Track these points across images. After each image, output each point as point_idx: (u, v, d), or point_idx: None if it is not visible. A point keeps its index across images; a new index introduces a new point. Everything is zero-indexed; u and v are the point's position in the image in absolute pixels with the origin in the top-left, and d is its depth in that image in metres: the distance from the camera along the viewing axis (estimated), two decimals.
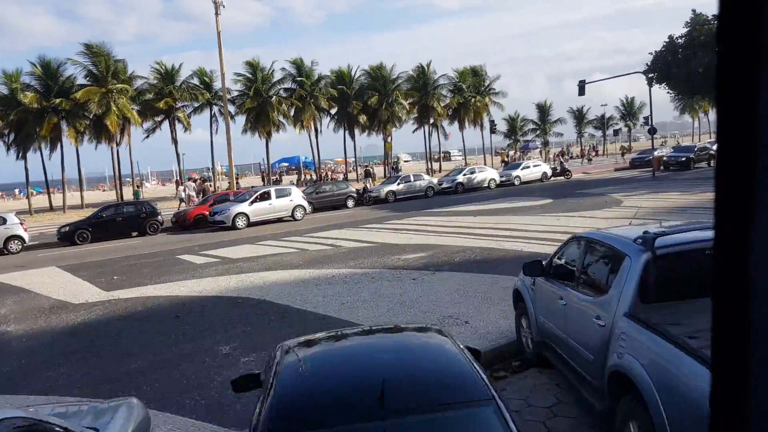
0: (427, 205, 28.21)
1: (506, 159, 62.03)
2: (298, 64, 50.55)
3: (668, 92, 32.59)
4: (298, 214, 26.60)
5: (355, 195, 31.59)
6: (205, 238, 22.05)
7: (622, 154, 65.43)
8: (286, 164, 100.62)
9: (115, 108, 40.12)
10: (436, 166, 65.26)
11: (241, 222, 24.79)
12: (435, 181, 35.57)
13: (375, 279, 11.96)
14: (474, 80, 63.18)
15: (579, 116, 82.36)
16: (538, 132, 77.66)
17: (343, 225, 22.36)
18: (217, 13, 46.89)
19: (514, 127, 75.29)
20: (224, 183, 54.32)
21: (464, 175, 36.79)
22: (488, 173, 37.77)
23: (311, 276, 12.90)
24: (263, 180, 53.95)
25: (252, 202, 25.60)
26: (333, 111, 55.62)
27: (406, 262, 13.60)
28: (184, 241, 21.80)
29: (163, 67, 45.38)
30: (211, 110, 48.84)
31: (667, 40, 31.75)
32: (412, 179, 34.35)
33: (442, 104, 60.38)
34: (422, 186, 34.29)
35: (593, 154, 61.72)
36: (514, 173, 38.98)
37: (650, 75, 33.12)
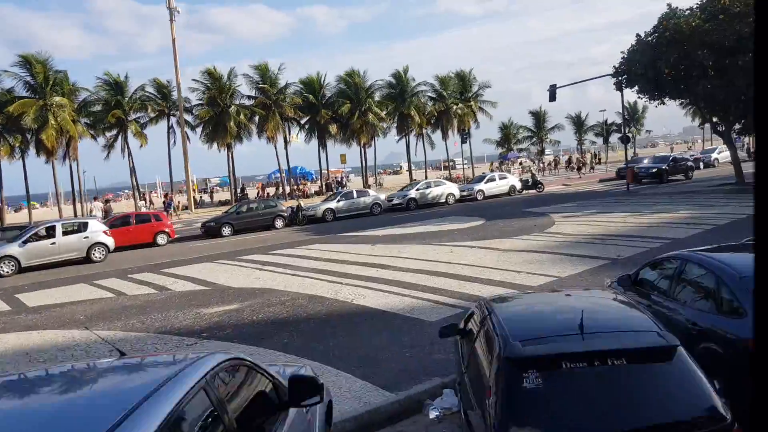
0: (356, 226, 25.12)
1: (492, 169, 58.57)
2: (262, 71, 47.90)
3: (639, 96, 28.97)
4: (97, 254, 21.13)
5: (285, 214, 28.61)
6: None
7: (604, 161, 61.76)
8: (278, 174, 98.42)
9: (53, 121, 37.80)
10: (433, 175, 62.06)
11: (6, 268, 19.34)
12: (382, 197, 32.40)
13: (90, 351, 8.93)
14: (459, 86, 59.94)
15: (578, 123, 78.54)
16: (533, 140, 74.05)
17: (221, 255, 19.33)
18: (171, 19, 44.63)
19: (507, 135, 71.82)
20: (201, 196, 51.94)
21: (417, 190, 33.60)
22: (446, 188, 34.50)
23: (39, 343, 9.87)
24: (233, 194, 51.35)
25: (26, 242, 20.12)
26: (304, 120, 52.88)
27: (195, 321, 10.56)
28: None
29: (111, 77, 43.05)
30: (168, 121, 46.46)
31: (636, 38, 28.21)
32: (355, 196, 31.25)
33: (425, 112, 57.26)
34: (367, 203, 31.16)
35: (582, 163, 58.00)
36: (477, 187, 35.69)
37: (619, 78, 29.58)
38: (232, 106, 45.31)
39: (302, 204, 30.12)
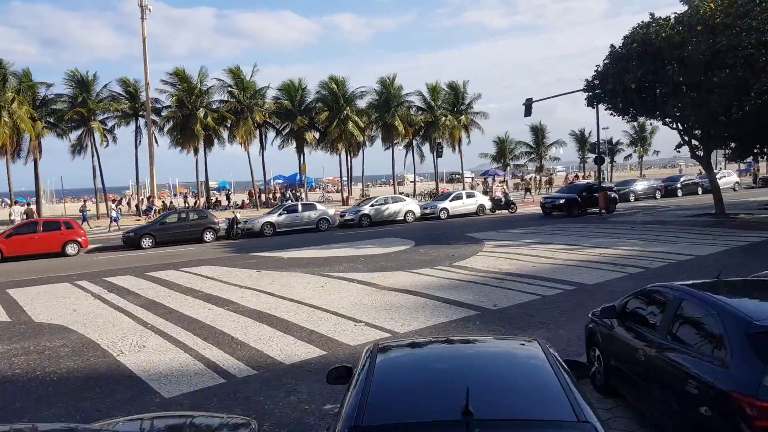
0: (284, 244, 22.88)
1: (473, 185, 56.09)
2: (235, 74, 46.04)
3: (612, 114, 26.31)
4: None
5: (216, 227, 26.45)
6: None
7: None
8: (280, 181, 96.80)
9: (7, 119, 36.24)
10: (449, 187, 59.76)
11: None
12: (331, 212, 30.09)
13: None
14: (450, 98, 57.57)
15: (581, 140, 75.63)
16: (532, 156, 71.23)
17: (101, 273, 17.13)
18: (142, 18, 43.06)
19: (503, 150, 69.10)
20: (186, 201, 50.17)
21: (372, 206, 31.24)
22: (404, 205, 32.06)
23: None
24: (206, 199, 49.51)
25: None
26: (281, 127, 50.93)
27: None
28: None
29: (78, 75, 41.48)
30: (136, 122, 44.72)
31: (609, 50, 25.63)
32: (299, 210, 28.99)
33: (412, 122, 54.94)
34: (312, 218, 28.87)
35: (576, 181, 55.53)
36: (441, 205, 33.19)
37: (590, 93, 27.00)
38: (201, 109, 43.38)
39: (239, 216, 27.91)
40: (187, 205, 50.68)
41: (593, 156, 77.02)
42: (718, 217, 25.14)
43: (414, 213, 32.06)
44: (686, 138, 26.14)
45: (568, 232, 22.55)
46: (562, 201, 30.63)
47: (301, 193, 50.52)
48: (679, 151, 27.27)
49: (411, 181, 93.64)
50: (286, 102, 48.60)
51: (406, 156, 60.66)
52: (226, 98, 46.28)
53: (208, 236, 25.87)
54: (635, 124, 77.47)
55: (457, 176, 78.88)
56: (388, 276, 14.35)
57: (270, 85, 49.02)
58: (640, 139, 78.26)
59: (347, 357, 8.09)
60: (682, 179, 45.11)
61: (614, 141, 74.92)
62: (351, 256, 18.39)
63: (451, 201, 33.64)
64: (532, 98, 34.29)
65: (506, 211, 35.10)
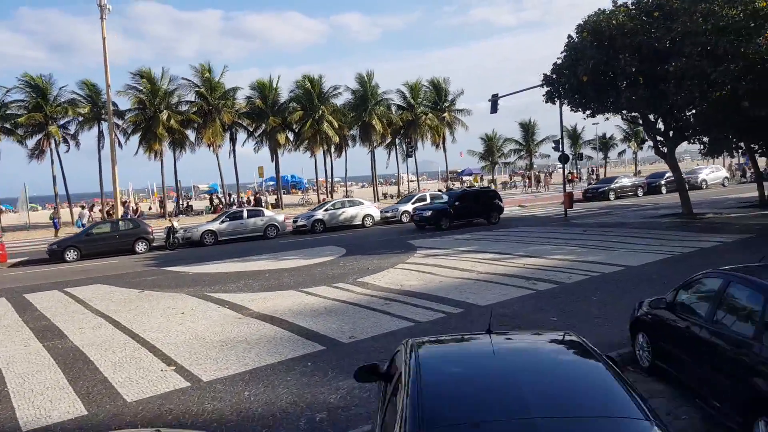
0: (216, 255, 21.43)
1: (450, 184, 54.29)
2: (203, 74, 44.57)
3: (572, 110, 24.51)
4: None
5: (149, 237, 24.92)
6: None
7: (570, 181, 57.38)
8: (272, 183, 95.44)
9: None
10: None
11: None
12: (280, 218, 28.49)
13: None
14: (431, 95, 55.91)
15: (573, 136, 73.47)
16: (522, 153, 69.28)
17: None
18: (102, 17, 41.58)
19: (491, 148, 67.24)
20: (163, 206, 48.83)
21: (327, 210, 29.63)
22: (362, 209, 30.40)
23: None
24: (177, 204, 48.06)
25: None
26: (254, 128, 49.44)
27: None
28: None
29: (32, 79, 40.15)
30: (99, 126, 43.35)
31: (567, 41, 23.83)
32: (244, 216, 27.41)
33: (392, 121, 53.28)
34: (258, 225, 27.31)
35: (549, 180, 54.28)
36: (403, 208, 31.53)
37: (550, 89, 25.20)
38: (164, 111, 41.92)
39: (176, 225, 26.36)
40: (161, 210, 49.21)
41: (586, 152, 75.13)
42: (684, 217, 23.34)
43: (373, 217, 30.43)
44: (650, 133, 24.32)
45: (513, 237, 20.83)
46: (428, 213, 25.94)
47: (266, 197, 48.85)
48: (641, 148, 25.35)
49: (410, 181, 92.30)
50: (258, 102, 47.08)
51: (389, 156, 59.11)
52: (194, 99, 44.89)
53: (140, 247, 24.35)
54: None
55: (453, 175, 76.95)
56: (271, 297, 12.74)
57: (239, 86, 47.42)
58: (633, 134, 76.04)
59: (110, 418, 6.55)
60: (666, 176, 43.08)
61: (608, 136, 72.88)
62: (260, 271, 16.80)
63: (413, 203, 31.94)
64: (498, 94, 32.58)
65: None
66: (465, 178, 62.43)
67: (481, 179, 68.39)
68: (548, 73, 24.90)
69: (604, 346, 7.85)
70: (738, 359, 5.04)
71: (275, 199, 52.79)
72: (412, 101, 54.08)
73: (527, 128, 66.99)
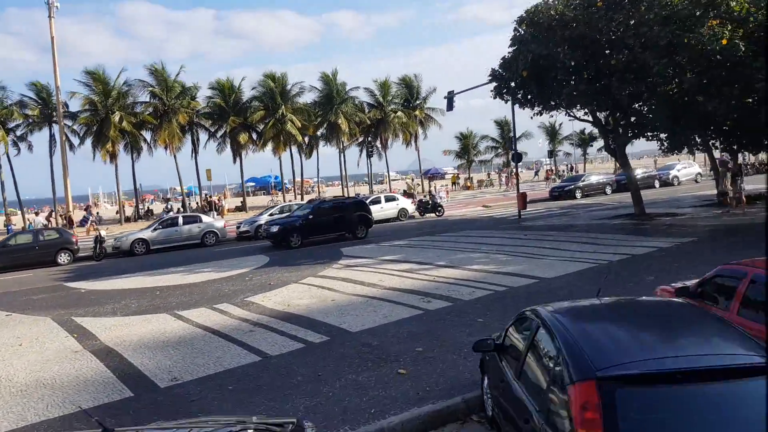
0: (132, 268, 20.06)
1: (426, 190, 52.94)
2: (158, 74, 43.07)
3: (521, 107, 23.20)
4: None
5: (73, 247, 23.48)
6: None
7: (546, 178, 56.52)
8: (252, 184, 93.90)
9: None
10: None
11: None
12: (220, 224, 27.09)
13: None
14: (404, 93, 54.51)
15: (552, 132, 72.29)
16: (498, 151, 68.03)
17: None
18: (50, 16, 40.09)
19: (466, 146, 66.01)
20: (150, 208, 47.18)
21: (271, 215, 28.23)
22: None
23: None
24: (135, 208, 46.43)
25: None
26: (215, 128, 47.96)
27: None
28: None
29: None
30: (50, 129, 41.78)
31: (513, 33, 22.45)
32: (180, 223, 25.98)
33: (360, 120, 51.88)
34: (194, 232, 25.89)
35: (512, 179, 53.16)
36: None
37: (498, 84, 23.86)
38: (116, 113, 40.39)
39: (103, 234, 24.90)
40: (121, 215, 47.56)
41: (563, 150, 73.90)
42: (636, 218, 22.11)
43: None
44: (600, 130, 23.06)
45: (448, 244, 19.51)
46: (275, 229, 22.65)
47: (218, 200, 47.20)
48: (590, 145, 24.01)
49: (393, 180, 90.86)
50: (218, 101, 45.61)
51: (360, 155, 57.63)
52: (148, 100, 43.40)
53: (63, 258, 22.92)
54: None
55: (438, 173, 75.48)
56: (134, 323, 11.38)
57: (198, 84, 45.94)
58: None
59: None
60: (637, 172, 41.95)
61: (587, 132, 71.68)
62: (155, 288, 15.42)
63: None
64: (453, 91, 31.28)
65: (434, 215, 32.09)
66: (434, 177, 60.86)
67: (458, 177, 67.05)
68: (496, 68, 23.59)
69: (453, 388, 6.57)
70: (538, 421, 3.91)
71: (241, 202, 51.29)
72: (381, 99, 52.67)
73: (503, 126, 65.71)
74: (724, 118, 19.23)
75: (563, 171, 71.58)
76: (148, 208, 49.08)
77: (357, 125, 51.91)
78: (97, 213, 48.50)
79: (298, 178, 55.67)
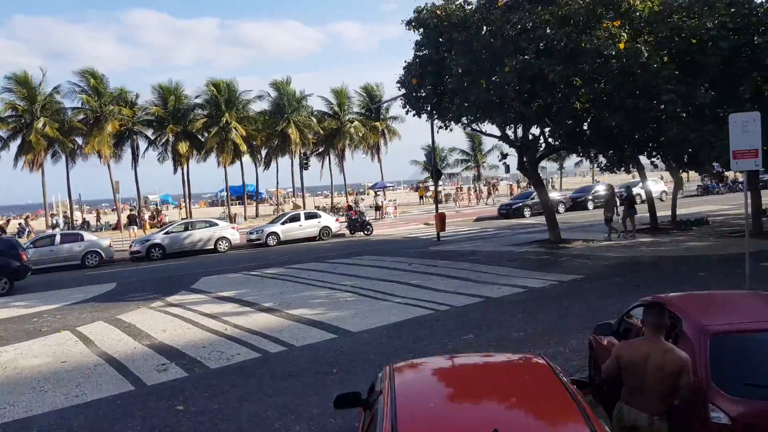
0: None
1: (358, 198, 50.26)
2: (90, 78, 40.75)
3: (420, 117, 20.76)
4: None
5: None
6: None
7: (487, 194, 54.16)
8: (223, 194, 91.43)
9: None
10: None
11: None
12: (106, 243, 24.60)
13: None
14: (364, 102, 52.10)
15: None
16: (469, 164, 65.57)
17: None
18: None
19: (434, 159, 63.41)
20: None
21: (168, 233, 25.78)
22: (215, 231, 26.47)
23: None
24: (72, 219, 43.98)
25: None
26: (155, 136, 45.59)
27: None
28: None
29: None
30: None
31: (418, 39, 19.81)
32: (57, 241, 23.52)
33: (315, 130, 49.50)
34: (75, 252, 23.47)
35: (470, 195, 50.88)
36: (270, 230, 27.71)
37: (403, 92, 21.37)
38: (41, 119, 38.05)
39: None
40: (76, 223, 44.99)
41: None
42: (549, 245, 19.67)
43: (229, 240, 26.52)
44: (510, 146, 20.63)
45: (316, 275, 17.01)
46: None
47: (133, 211, 44.45)
48: (505, 164, 21.53)
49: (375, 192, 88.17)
50: (155, 108, 43.28)
51: (322, 167, 55.11)
52: (80, 105, 41.10)
53: None
54: None
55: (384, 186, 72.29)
56: None
57: (137, 92, 43.57)
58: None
59: None
60: (593, 190, 39.49)
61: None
62: None
63: (283, 224, 28.15)
64: (381, 100, 28.87)
65: (362, 233, 29.60)
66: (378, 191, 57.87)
67: (426, 190, 64.34)
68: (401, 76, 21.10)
69: None
70: None
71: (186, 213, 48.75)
72: (337, 109, 50.33)
73: (473, 138, 63.23)
74: (629, 134, 16.84)
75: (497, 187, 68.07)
76: (83, 219, 46.54)
77: (316, 135, 49.72)
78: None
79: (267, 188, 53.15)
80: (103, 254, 23.95)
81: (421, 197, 63.78)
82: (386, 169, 59.90)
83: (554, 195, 38.88)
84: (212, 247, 26.03)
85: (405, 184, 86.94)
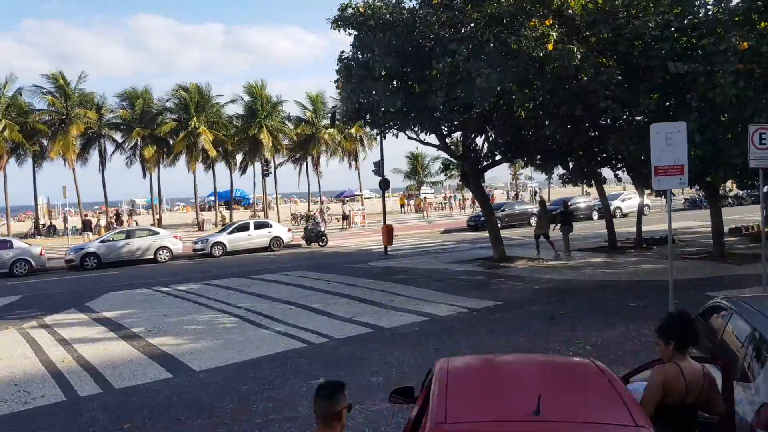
0: None
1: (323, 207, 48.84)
2: (56, 80, 39.61)
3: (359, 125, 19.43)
4: None
5: None
6: None
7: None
8: (212, 198, 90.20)
9: None
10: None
11: None
12: (36, 250, 23.25)
13: None
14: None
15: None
16: (453, 172, 63.84)
17: None
18: None
19: (416, 167, 62.12)
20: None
21: (104, 242, 24.44)
22: (155, 240, 25.10)
23: None
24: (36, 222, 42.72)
25: None
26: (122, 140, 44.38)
27: None
28: None
29: None
30: None
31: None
32: None
33: (290, 136, 48.31)
34: (4, 259, 22.24)
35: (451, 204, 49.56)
36: (215, 239, 26.34)
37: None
38: (2, 121, 36.86)
39: None
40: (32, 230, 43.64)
41: (524, 172, 69.92)
42: (491, 264, 18.26)
43: (170, 250, 25.15)
44: (451, 156, 19.24)
45: (224, 292, 15.60)
46: None
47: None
48: (447, 176, 20.06)
49: (366, 198, 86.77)
50: (122, 111, 42.09)
51: (299, 174, 53.88)
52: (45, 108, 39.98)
53: None
54: None
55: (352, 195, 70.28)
56: None
57: (102, 93, 42.52)
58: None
59: None
60: (570, 202, 37.97)
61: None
62: None
63: (230, 233, 26.76)
64: (336, 106, 27.62)
65: (316, 245, 28.19)
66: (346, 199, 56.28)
67: (409, 197, 62.89)
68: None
69: None
70: None
71: (157, 219, 47.40)
72: (312, 114, 49.06)
73: (458, 146, 61.70)
74: (567, 145, 15.43)
75: (527, 196, 67.22)
76: (50, 223, 45.21)
77: (291, 141, 48.58)
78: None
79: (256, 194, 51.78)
80: (33, 262, 22.65)
81: (402, 206, 62.33)
82: (368, 177, 58.61)
83: (527, 207, 37.60)
84: (152, 256, 24.65)
85: (374, 193, 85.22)
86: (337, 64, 16.40)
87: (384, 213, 24.39)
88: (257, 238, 27.08)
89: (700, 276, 14.12)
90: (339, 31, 16.27)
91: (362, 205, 54.30)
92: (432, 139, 18.75)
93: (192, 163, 43.69)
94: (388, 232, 22.65)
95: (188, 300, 14.74)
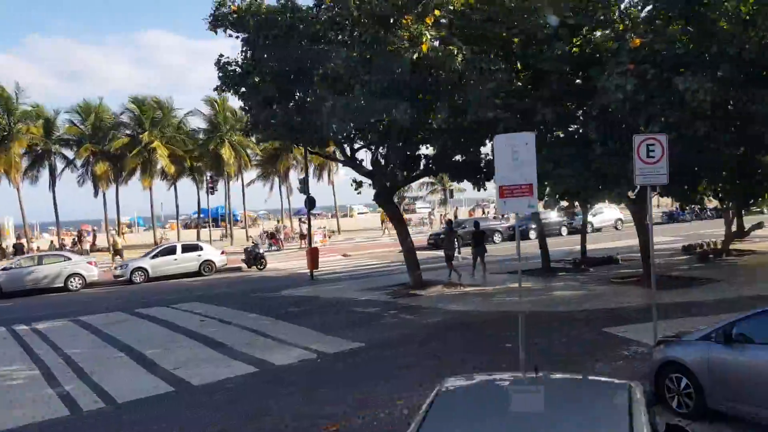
0: None
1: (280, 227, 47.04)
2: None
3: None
4: None
5: None
6: None
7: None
8: (195, 216, 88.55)
9: None
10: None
11: None
12: None
13: None
14: None
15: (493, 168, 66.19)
16: (435, 187, 62.23)
17: None
18: None
19: None
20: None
21: (5, 270, 22.64)
22: (67, 265, 23.19)
23: None
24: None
25: None
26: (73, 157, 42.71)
27: None
28: None
29: None
30: None
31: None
32: None
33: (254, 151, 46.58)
34: None
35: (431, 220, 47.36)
36: (136, 265, 24.42)
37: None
38: None
39: None
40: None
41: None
42: (401, 291, 16.33)
43: (83, 276, 23.27)
44: (360, 173, 17.35)
45: (79, 333, 13.73)
46: None
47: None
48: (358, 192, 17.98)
49: (360, 213, 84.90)
50: (67, 127, 40.52)
51: (281, 189, 52.10)
52: None
53: None
54: None
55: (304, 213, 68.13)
56: None
57: (56, 108, 40.95)
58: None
59: None
60: (541, 217, 36.09)
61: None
62: None
63: (153, 258, 24.86)
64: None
65: (254, 268, 26.28)
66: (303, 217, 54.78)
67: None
68: None
69: None
70: None
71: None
72: None
73: None
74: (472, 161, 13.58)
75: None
76: (18, 243, 43.31)
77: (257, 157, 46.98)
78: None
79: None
80: None
81: (382, 222, 60.32)
82: (345, 192, 56.50)
83: (491, 224, 35.59)
84: (62, 284, 22.78)
85: (368, 208, 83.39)
86: (216, 69, 14.59)
87: (309, 236, 22.56)
88: (185, 262, 25.14)
89: (612, 306, 12.30)
90: (216, 32, 14.49)
91: (337, 219, 52.43)
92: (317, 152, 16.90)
93: (145, 180, 41.97)
94: (313, 256, 20.72)
95: (24, 345, 12.74)
